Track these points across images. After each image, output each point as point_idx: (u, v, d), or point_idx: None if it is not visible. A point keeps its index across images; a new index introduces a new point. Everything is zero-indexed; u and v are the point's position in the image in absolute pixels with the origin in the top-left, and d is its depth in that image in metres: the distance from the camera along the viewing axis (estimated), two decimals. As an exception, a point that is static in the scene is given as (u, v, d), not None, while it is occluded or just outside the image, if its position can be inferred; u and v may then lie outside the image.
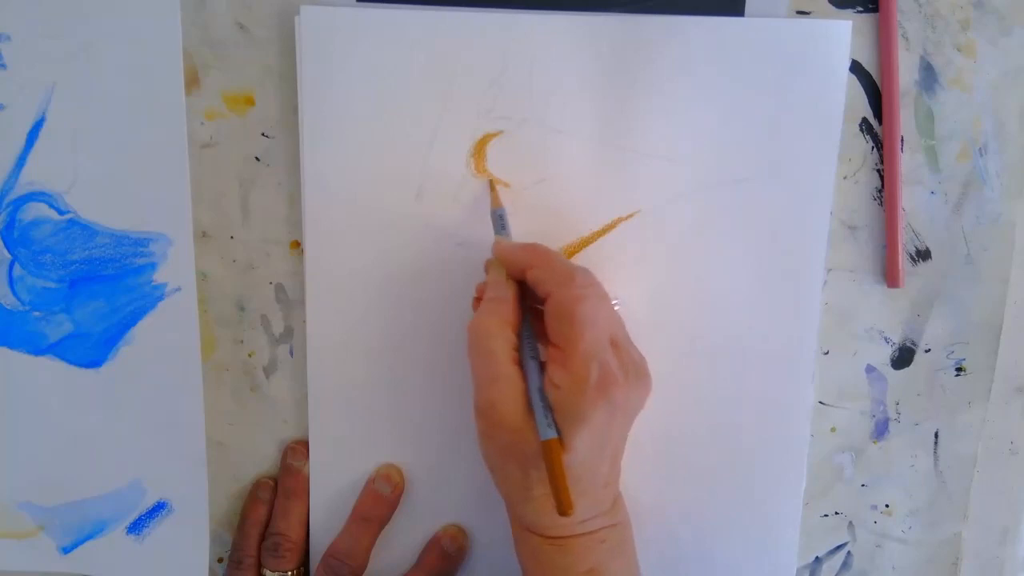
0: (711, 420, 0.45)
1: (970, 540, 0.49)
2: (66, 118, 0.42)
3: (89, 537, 0.47)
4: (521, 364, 0.37)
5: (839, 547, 0.49)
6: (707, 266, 0.44)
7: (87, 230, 0.43)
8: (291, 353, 0.46)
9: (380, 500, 0.45)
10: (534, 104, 0.42)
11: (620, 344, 0.37)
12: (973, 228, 0.46)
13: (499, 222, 0.41)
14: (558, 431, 0.35)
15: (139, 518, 0.46)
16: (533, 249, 0.39)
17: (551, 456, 0.34)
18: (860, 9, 0.43)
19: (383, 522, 0.45)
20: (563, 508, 0.33)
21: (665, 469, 0.45)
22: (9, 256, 0.44)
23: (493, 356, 0.37)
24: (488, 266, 0.41)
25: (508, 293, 0.38)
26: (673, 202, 0.43)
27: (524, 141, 0.43)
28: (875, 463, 0.48)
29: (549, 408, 0.35)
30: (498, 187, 0.43)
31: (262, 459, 0.47)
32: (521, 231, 0.42)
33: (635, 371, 0.37)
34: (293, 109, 0.43)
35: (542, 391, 0.36)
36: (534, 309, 0.39)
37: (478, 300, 0.40)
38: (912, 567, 0.49)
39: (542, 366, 0.37)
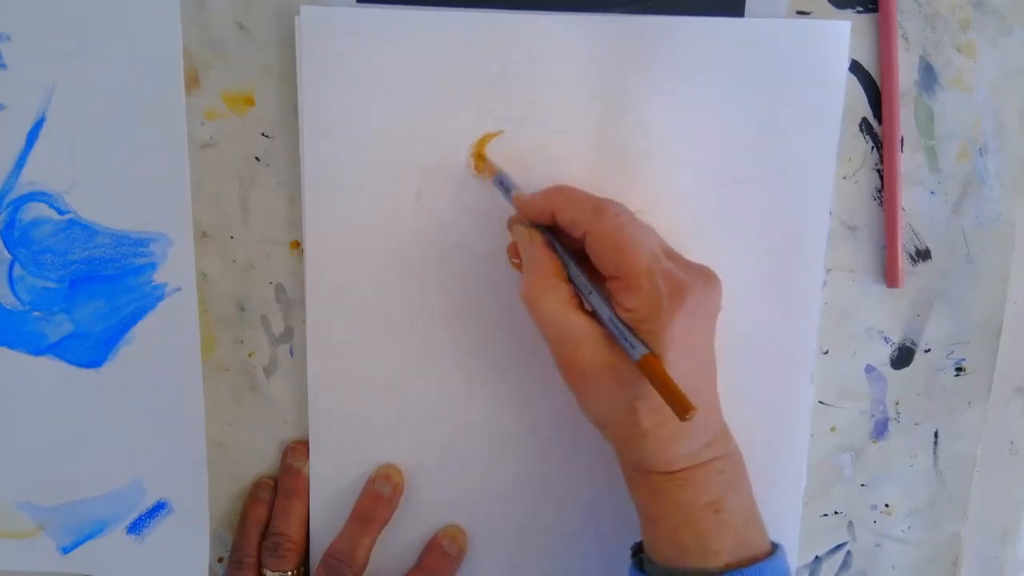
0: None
1: (970, 540, 0.49)
2: (66, 118, 0.42)
3: (89, 537, 0.47)
4: (582, 307, 0.37)
5: (839, 547, 0.49)
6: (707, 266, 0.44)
7: (87, 230, 0.43)
8: (291, 353, 0.46)
9: (380, 500, 0.45)
10: (534, 104, 0.42)
11: (673, 254, 0.38)
12: (973, 228, 0.46)
13: (503, 186, 0.41)
14: (646, 347, 0.34)
15: (139, 518, 0.46)
16: (555, 192, 0.38)
17: (650, 369, 0.34)
18: (860, 9, 0.43)
19: (383, 522, 0.45)
20: (682, 410, 0.32)
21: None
22: (9, 256, 0.44)
23: (554, 313, 0.36)
24: (511, 225, 0.40)
25: (539, 247, 0.38)
26: (673, 202, 0.43)
27: (524, 141, 0.43)
28: (875, 463, 0.48)
29: (629, 329, 0.35)
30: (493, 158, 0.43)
31: (262, 459, 0.47)
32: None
33: (700, 273, 0.37)
34: (293, 109, 0.43)
35: (615, 318, 0.36)
36: (571, 248, 0.38)
37: (518, 262, 0.40)
38: (912, 567, 0.49)
39: (603, 298, 0.37)
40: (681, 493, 0.37)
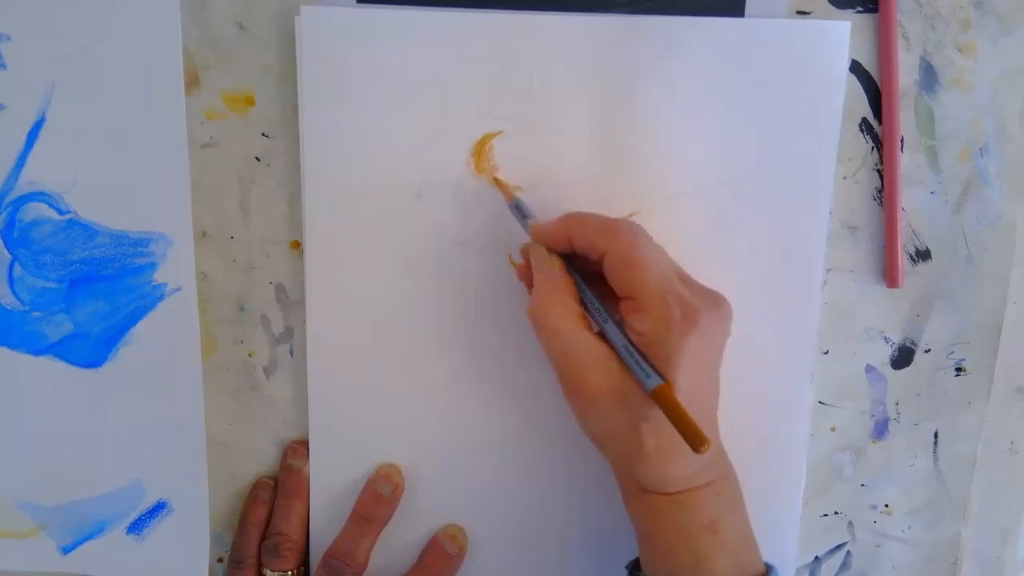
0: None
1: (970, 540, 0.49)
2: (66, 118, 0.42)
3: (89, 537, 0.47)
4: (590, 329, 0.37)
5: (839, 547, 0.49)
6: (707, 266, 0.44)
7: (87, 230, 0.43)
8: (291, 353, 0.46)
9: (380, 500, 0.45)
10: (534, 104, 0.42)
11: (686, 278, 0.38)
12: (973, 228, 0.46)
13: (518, 212, 0.41)
14: (661, 377, 0.34)
15: (139, 518, 0.46)
16: (571, 218, 0.38)
17: (665, 401, 0.34)
18: (860, 9, 0.43)
19: (383, 522, 0.45)
20: (697, 443, 0.32)
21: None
22: (9, 256, 0.44)
23: (562, 332, 0.37)
24: (527, 251, 0.40)
25: (556, 269, 0.38)
26: (673, 202, 0.43)
27: (524, 141, 0.43)
28: (875, 463, 0.48)
29: (643, 357, 0.35)
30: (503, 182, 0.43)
31: (262, 459, 0.47)
32: (522, 231, 0.42)
33: (711, 298, 0.37)
34: (293, 109, 0.43)
35: (630, 346, 0.35)
36: (588, 275, 0.38)
37: (529, 281, 0.40)
38: (912, 567, 0.49)
39: (618, 324, 0.37)
40: (679, 513, 0.37)
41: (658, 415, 0.34)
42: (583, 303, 0.38)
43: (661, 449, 0.36)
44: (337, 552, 0.44)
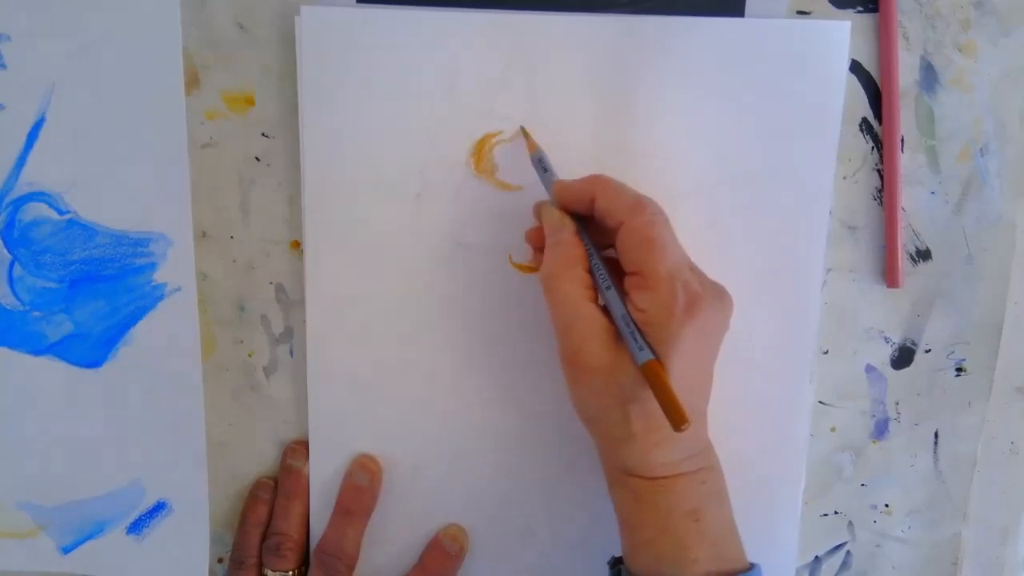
0: (710, 419, 0.45)
1: (970, 540, 0.49)
2: (66, 118, 0.42)
3: (89, 537, 0.47)
4: (597, 301, 0.37)
5: (838, 547, 0.49)
6: (706, 266, 0.44)
7: (87, 230, 0.44)
8: (291, 353, 0.46)
9: (360, 491, 0.44)
10: (534, 104, 0.42)
11: (695, 269, 0.38)
12: (973, 228, 0.46)
13: (540, 165, 0.41)
14: (653, 352, 0.34)
15: (139, 518, 0.46)
16: (598, 180, 0.38)
17: (653, 375, 0.34)
18: (860, 9, 0.43)
19: (366, 512, 0.45)
20: (678, 421, 0.33)
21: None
22: (9, 256, 0.44)
23: (568, 299, 0.37)
24: (539, 209, 0.40)
25: (568, 232, 0.38)
26: (672, 202, 0.43)
27: (524, 141, 0.43)
28: (875, 463, 0.48)
29: (639, 331, 0.35)
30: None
31: (262, 459, 0.47)
32: (522, 231, 0.42)
33: (716, 290, 0.37)
34: (293, 109, 0.43)
35: (628, 317, 0.36)
36: (596, 244, 0.38)
37: (539, 249, 0.40)
38: (912, 567, 0.49)
39: (619, 294, 0.36)
40: (662, 500, 0.37)
41: (648, 397, 0.35)
42: (591, 271, 0.38)
43: (647, 434, 0.36)
44: (326, 546, 0.44)
